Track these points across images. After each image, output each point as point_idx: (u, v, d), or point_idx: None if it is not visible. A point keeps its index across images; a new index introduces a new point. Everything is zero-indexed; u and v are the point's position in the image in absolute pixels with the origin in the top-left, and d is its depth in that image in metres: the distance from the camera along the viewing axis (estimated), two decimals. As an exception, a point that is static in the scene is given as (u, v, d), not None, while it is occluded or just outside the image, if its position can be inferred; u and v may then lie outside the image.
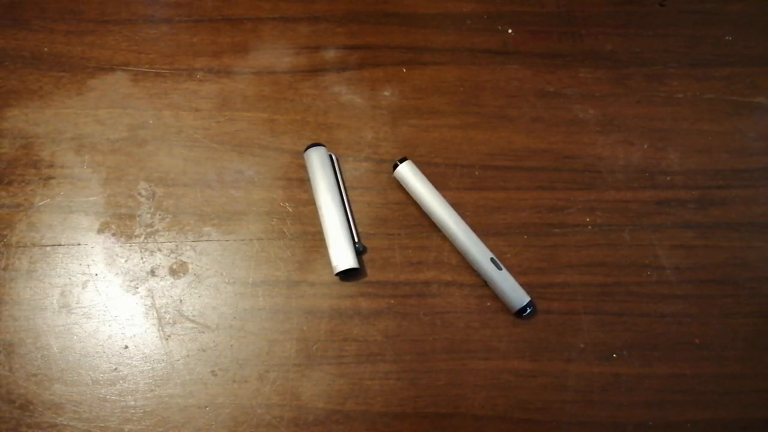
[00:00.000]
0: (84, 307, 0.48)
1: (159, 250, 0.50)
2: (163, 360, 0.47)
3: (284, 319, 0.48)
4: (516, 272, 0.49)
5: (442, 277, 0.50)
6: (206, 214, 0.51)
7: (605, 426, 0.46)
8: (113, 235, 0.51)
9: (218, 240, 0.51)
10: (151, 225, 0.51)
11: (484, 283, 0.49)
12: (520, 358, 0.48)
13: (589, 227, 0.52)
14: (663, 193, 0.54)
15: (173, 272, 0.49)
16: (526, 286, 0.49)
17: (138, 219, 0.51)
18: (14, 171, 0.52)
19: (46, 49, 0.57)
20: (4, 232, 0.50)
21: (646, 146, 0.56)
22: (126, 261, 0.50)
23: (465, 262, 0.50)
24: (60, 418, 0.45)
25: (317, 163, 0.52)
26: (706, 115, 0.57)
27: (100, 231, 0.51)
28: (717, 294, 0.50)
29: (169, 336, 0.47)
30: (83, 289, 0.49)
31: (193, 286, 0.49)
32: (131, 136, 0.54)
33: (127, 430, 0.45)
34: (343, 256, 0.48)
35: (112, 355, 0.47)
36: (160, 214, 0.51)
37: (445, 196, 0.51)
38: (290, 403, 0.46)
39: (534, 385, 0.47)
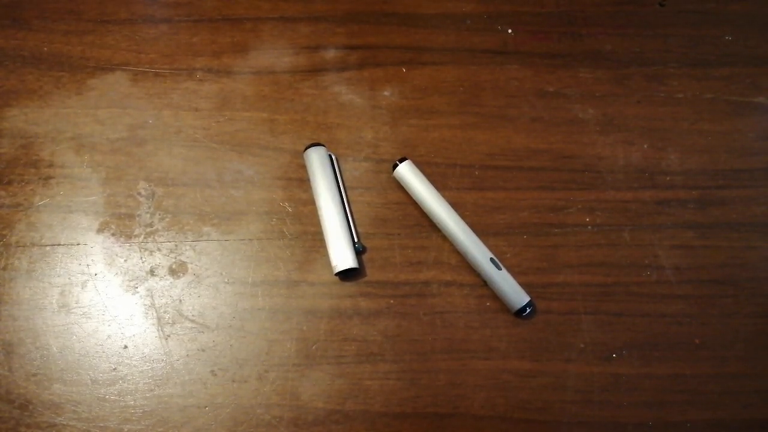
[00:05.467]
0: (83, 307, 0.48)
1: (158, 249, 0.50)
2: (162, 360, 0.47)
3: (284, 319, 0.48)
4: (516, 272, 0.49)
5: (442, 277, 0.50)
6: (206, 214, 0.51)
7: (605, 426, 0.46)
8: (113, 234, 0.51)
9: (218, 240, 0.51)
10: (150, 225, 0.51)
11: (484, 283, 0.49)
12: (520, 358, 0.48)
13: (589, 227, 0.52)
14: (663, 193, 0.54)
15: (173, 272, 0.49)
16: (526, 286, 0.49)
17: (137, 219, 0.51)
18: (14, 171, 0.52)
19: (45, 48, 0.57)
20: (4, 232, 0.50)
21: (646, 146, 0.56)
22: (125, 261, 0.50)
23: (465, 262, 0.50)
24: (59, 418, 0.45)
25: (317, 163, 0.51)
26: (706, 115, 0.57)
27: (99, 231, 0.51)
28: (717, 294, 0.50)
29: (168, 336, 0.47)
30: (82, 288, 0.49)
31: (192, 286, 0.49)
32: (131, 136, 0.54)
33: (126, 430, 0.44)
34: (342, 256, 0.48)
35: (112, 355, 0.47)
36: (159, 214, 0.51)
37: (444, 196, 0.51)
38: (290, 403, 0.46)
39: (534, 385, 0.47)
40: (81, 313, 0.48)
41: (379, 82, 0.57)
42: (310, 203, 0.52)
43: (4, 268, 0.49)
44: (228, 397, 0.46)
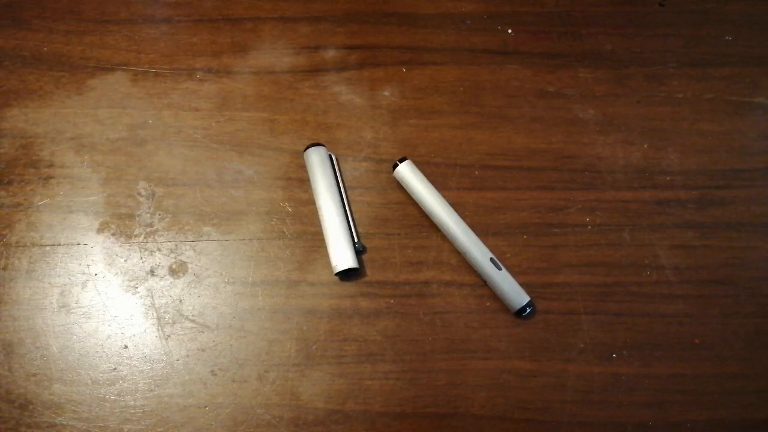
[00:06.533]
0: (83, 307, 0.48)
1: (158, 249, 0.50)
2: (162, 360, 0.47)
3: (284, 319, 0.48)
4: (516, 272, 0.49)
5: (441, 277, 0.50)
6: (206, 214, 0.51)
7: (605, 426, 0.46)
8: (113, 234, 0.51)
9: (218, 240, 0.51)
10: (150, 225, 0.51)
11: (484, 283, 0.49)
12: (520, 358, 0.48)
13: (589, 227, 0.52)
14: (663, 193, 0.54)
15: (173, 272, 0.49)
16: (526, 286, 0.49)
17: (137, 219, 0.51)
18: (14, 171, 0.52)
19: (45, 49, 0.57)
20: (4, 232, 0.50)
21: (646, 146, 0.56)
22: (125, 261, 0.50)
23: (465, 262, 0.50)
24: (59, 418, 0.45)
25: (317, 163, 0.51)
26: (706, 115, 0.57)
27: (99, 231, 0.51)
28: (717, 294, 0.50)
29: (168, 336, 0.47)
30: (83, 288, 0.49)
31: (192, 285, 0.49)
32: (131, 136, 0.54)
33: (126, 429, 0.44)
34: (342, 256, 0.48)
35: (112, 355, 0.47)
36: (159, 214, 0.51)
37: (444, 196, 0.51)
38: (290, 403, 0.46)
39: (534, 385, 0.47)
40: (81, 313, 0.48)
41: (379, 82, 0.57)
42: (310, 203, 0.52)
43: (4, 268, 0.49)
44: (228, 397, 0.46)
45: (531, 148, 0.55)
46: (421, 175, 0.51)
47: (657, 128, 0.57)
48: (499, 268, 0.48)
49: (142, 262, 0.50)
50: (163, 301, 0.48)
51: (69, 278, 0.49)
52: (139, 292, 0.49)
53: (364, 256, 0.50)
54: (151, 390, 0.46)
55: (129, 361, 0.47)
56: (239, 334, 0.47)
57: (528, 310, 0.48)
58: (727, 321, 0.49)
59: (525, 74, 0.58)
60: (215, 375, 0.46)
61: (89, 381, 0.46)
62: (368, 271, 0.50)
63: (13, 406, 0.45)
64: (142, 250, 0.50)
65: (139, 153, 0.54)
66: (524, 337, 0.48)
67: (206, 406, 0.45)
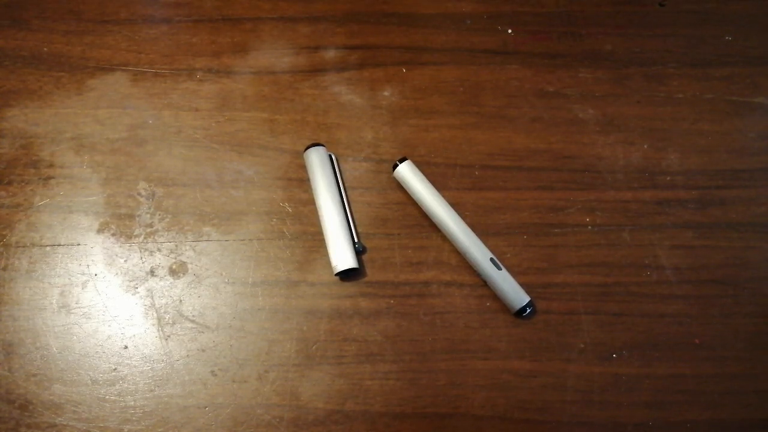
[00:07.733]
0: (83, 308, 0.48)
1: (158, 250, 0.50)
2: (162, 360, 0.47)
3: (284, 319, 0.48)
4: (516, 272, 0.49)
5: (442, 277, 0.50)
6: (206, 214, 0.51)
7: (605, 426, 0.46)
8: (113, 235, 0.51)
9: (218, 240, 0.51)
10: (150, 225, 0.51)
11: (484, 283, 0.49)
12: (520, 358, 0.48)
13: (589, 227, 0.52)
14: (663, 193, 0.54)
15: (173, 272, 0.49)
16: (526, 286, 0.49)
17: (137, 219, 0.51)
18: (14, 171, 0.52)
19: (45, 49, 0.57)
20: (4, 232, 0.50)
21: (646, 146, 0.56)
22: (125, 261, 0.50)
23: (465, 262, 0.50)
24: (59, 419, 0.45)
25: (317, 163, 0.51)
26: (706, 115, 0.57)
27: (99, 231, 0.51)
28: (717, 294, 0.50)
29: (168, 336, 0.47)
30: (83, 289, 0.49)
31: (192, 286, 0.49)
32: (131, 136, 0.54)
33: (126, 430, 0.45)
34: (342, 256, 0.48)
35: (112, 356, 0.47)
36: (159, 214, 0.51)
37: (444, 196, 0.51)
38: (290, 404, 0.46)
39: (534, 385, 0.47)
40: (81, 313, 0.48)
41: (379, 82, 0.57)
42: (310, 203, 0.52)
43: (4, 268, 0.49)
44: (228, 397, 0.46)
45: (531, 148, 0.55)
46: (421, 175, 0.51)
47: (657, 128, 0.57)
48: (499, 268, 0.48)
49: (142, 263, 0.50)
50: (163, 301, 0.48)
51: (69, 278, 0.49)
52: (139, 293, 0.49)
53: (364, 257, 0.50)
54: (151, 390, 0.46)
55: (129, 362, 0.47)
56: (239, 335, 0.47)
57: (528, 310, 0.48)
58: (727, 321, 0.49)
59: (525, 74, 0.58)
60: (215, 375, 0.46)
61: (89, 381, 0.46)
62: (368, 272, 0.50)
63: (13, 406, 0.45)
64: (142, 250, 0.50)
65: (139, 153, 0.54)
66: (524, 337, 0.48)
67: (206, 407, 0.45)
